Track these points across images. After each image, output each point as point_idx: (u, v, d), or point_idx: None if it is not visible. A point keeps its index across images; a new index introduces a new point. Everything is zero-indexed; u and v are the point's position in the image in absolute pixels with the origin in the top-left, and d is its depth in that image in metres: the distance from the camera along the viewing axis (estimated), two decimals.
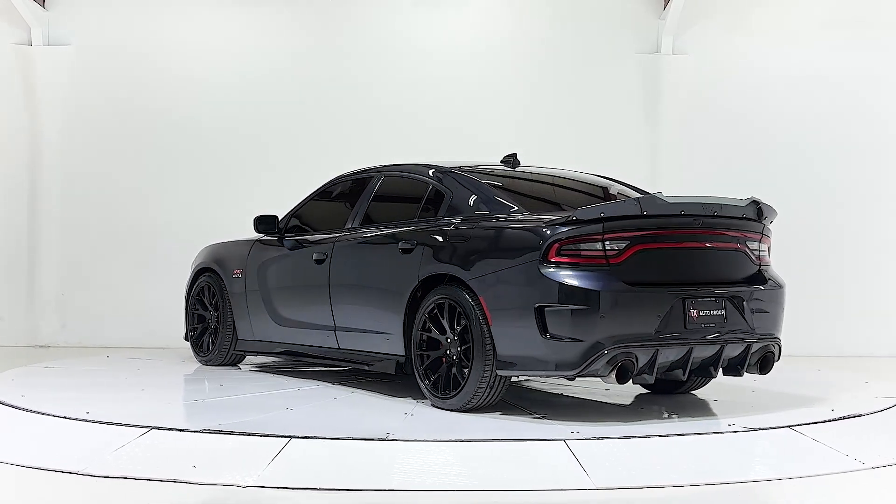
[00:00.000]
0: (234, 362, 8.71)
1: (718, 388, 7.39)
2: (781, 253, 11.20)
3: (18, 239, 11.39)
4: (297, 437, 5.16)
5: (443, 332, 6.18)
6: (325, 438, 5.18)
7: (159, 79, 11.55)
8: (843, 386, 7.90)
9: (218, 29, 11.67)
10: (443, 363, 6.22)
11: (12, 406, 6.21)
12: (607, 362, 5.58)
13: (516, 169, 7.25)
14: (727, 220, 6.14)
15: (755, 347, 6.13)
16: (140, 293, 11.34)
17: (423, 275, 6.35)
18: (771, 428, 5.63)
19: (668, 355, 5.79)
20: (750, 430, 5.57)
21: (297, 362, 8.14)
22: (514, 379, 6.56)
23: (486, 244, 6.11)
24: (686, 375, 5.99)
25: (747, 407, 6.53)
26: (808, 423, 5.77)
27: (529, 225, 5.93)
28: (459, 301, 6.04)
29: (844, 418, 6.09)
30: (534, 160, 11.21)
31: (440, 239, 6.34)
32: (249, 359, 8.77)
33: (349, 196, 7.67)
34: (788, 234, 11.28)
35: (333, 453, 5.01)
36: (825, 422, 5.90)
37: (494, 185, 6.70)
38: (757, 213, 6.31)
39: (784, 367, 9.36)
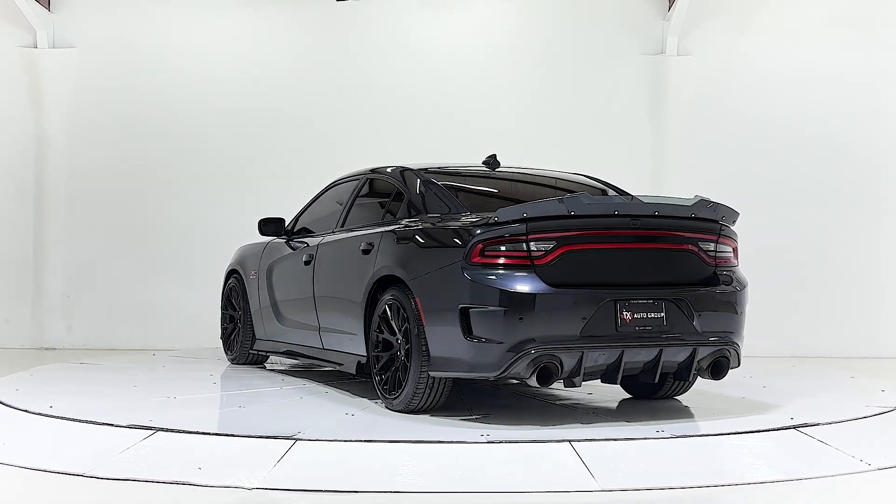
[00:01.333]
0: (258, 361, 8.86)
1: (723, 389, 7.37)
2: (786, 253, 11.26)
3: (24, 241, 11.41)
4: (303, 439, 5.16)
5: (393, 332, 6.19)
6: (331, 441, 5.18)
7: (164, 81, 11.57)
8: (850, 387, 7.88)
9: (222, 31, 11.68)
10: (395, 364, 6.23)
11: (18, 408, 6.22)
12: (528, 364, 5.52)
13: (495, 170, 7.19)
14: (674, 221, 5.96)
15: (704, 352, 5.92)
16: (146, 295, 11.36)
17: (376, 276, 6.37)
18: (777, 429, 5.62)
19: (597, 358, 5.67)
20: (756, 431, 5.55)
21: (311, 363, 8.15)
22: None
23: (422, 246, 6.10)
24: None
25: (753, 408, 6.51)
26: (815, 425, 5.75)
27: (457, 226, 5.92)
28: (402, 302, 6.06)
29: (851, 420, 6.08)
30: (538, 161, 11.24)
31: (390, 240, 6.36)
32: (275, 358, 8.83)
33: (340, 199, 7.74)
34: (794, 234, 11.30)
35: (339, 455, 5.01)
36: (831, 423, 5.88)
37: (452, 187, 6.66)
38: (713, 212, 6.10)
39: (790, 368, 9.38)
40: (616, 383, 5.99)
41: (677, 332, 5.83)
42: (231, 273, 9.06)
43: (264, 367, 8.75)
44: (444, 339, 5.76)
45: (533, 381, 5.57)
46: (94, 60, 11.53)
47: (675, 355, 5.86)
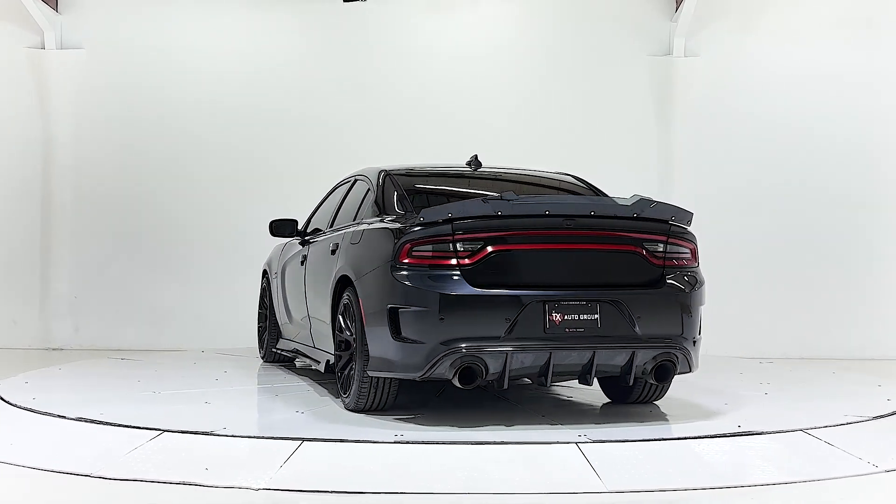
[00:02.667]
0: (286, 360, 8.95)
1: (727, 391, 7.37)
2: (791, 254, 11.24)
3: (32, 242, 11.44)
4: (309, 439, 5.16)
5: (351, 332, 6.23)
6: (337, 441, 5.18)
7: (171, 82, 11.59)
8: (857, 389, 7.86)
9: (229, 32, 11.70)
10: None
11: (26, 408, 6.23)
12: (450, 365, 5.52)
13: (477, 170, 7.17)
14: (613, 221, 5.86)
15: (646, 355, 5.76)
16: (153, 296, 11.38)
17: (336, 276, 6.45)
18: (784, 431, 5.61)
19: (523, 360, 5.61)
20: (763, 433, 5.54)
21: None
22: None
23: (365, 246, 6.16)
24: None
25: (760, 410, 6.50)
26: (822, 427, 5.74)
27: (389, 227, 5.95)
28: (352, 302, 6.14)
29: (858, 422, 6.06)
30: (546, 162, 11.23)
31: (348, 241, 6.45)
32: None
33: (335, 199, 7.82)
34: (799, 235, 11.29)
35: (346, 456, 5.01)
36: (839, 425, 5.87)
37: (415, 189, 6.68)
38: (659, 212, 5.98)
39: (797, 369, 9.36)
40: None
41: (613, 335, 5.69)
42: (263, 272, 9.34)
43: (293, 366, 8.83)
44: (378, 339, 5.80)
45: (456, 382, 5.56)
46: (101, 61, 11.55)
47: (611, 358, 5.73)
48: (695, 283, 6.04)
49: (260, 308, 9.38)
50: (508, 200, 5.67)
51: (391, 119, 11.49)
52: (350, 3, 11.30)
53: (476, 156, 7.21)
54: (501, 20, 11.72)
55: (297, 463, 4.88)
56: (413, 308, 5.60)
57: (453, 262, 5.62)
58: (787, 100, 11.38)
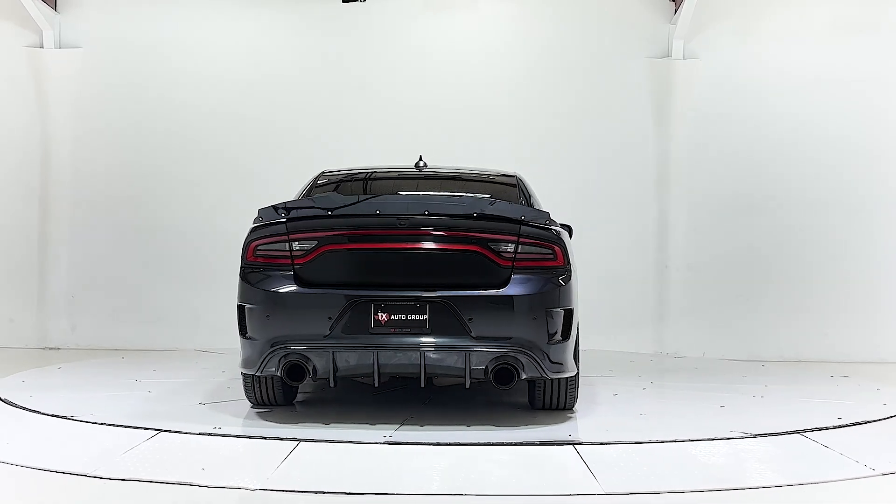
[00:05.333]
0: None
1: (724, 393, 7.38)
2: (791, 257, 11.24)
3: (29, 241, 11.42)
4: (306, 440, 5.16)
5: None
6: (333, 442, 5.18)
7: (170, 81, 11.57)
8: (854, 392, 7.88)
9: (228, 32, 11.69)
10: None
11: (22, 408, 6.23)
12: (277, 362, 5.67)
13: (422, 171, 7.20)
14: (453, 220, 5.81)
15: (482, 357, 5.65)
16: (151, 295, 11.37)
17: None
18: (780, 434, 5.62)
19: (349, 359, 5.67)
20: (759, 435, 5.55)
21: None
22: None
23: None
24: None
25: (756, 413, 6.51)
26: (818, 429, 5.76)
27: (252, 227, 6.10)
28: None
29: (854, 424, 6.07)
30: (544, 163, 11.27)
31: None
32: None
33: None
34: (798, 238, 11.29)
35: (342, 457, 5.01)
36: (835, 428, 5.88)
37: (324, 189, 6.81)
38: (510, 212, 5.89)
39: (794, 372, 9.37)
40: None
41: (443, 336, 5.65)
42: None
43: None
44: (239, 338, 5.99)
45: (286, 379, 5.73)
46: (100, 60, 11.54)
47: (441, 360, 5.69)
48: (551, 283, 5.83)
49: None
50: (336, 200, 5.83)
51: (390, 119, 11.48)
52: (349, 2, 11.31)
53: (421, 156, 7.28)
54: (500, 21, 11.72)
55: (293, 463, 4.88)
56: (249, 306, 5.82)
57: (288, 261, 5.79)
58: (786, 102, 11.37)
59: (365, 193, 6.92)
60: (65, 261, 11.42)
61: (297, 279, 5.75)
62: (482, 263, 5.76)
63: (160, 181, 11.47)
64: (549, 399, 6.24)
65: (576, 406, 6.45)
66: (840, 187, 11.29)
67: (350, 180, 7.17)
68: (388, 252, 5.78)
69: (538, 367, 5.71)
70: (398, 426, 5.75)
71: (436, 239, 5.78)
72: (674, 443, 5.33)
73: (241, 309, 5.88)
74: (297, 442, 5.12)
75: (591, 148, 11.45)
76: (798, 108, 11.34)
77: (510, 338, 5.67)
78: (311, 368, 5.67)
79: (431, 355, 5.65)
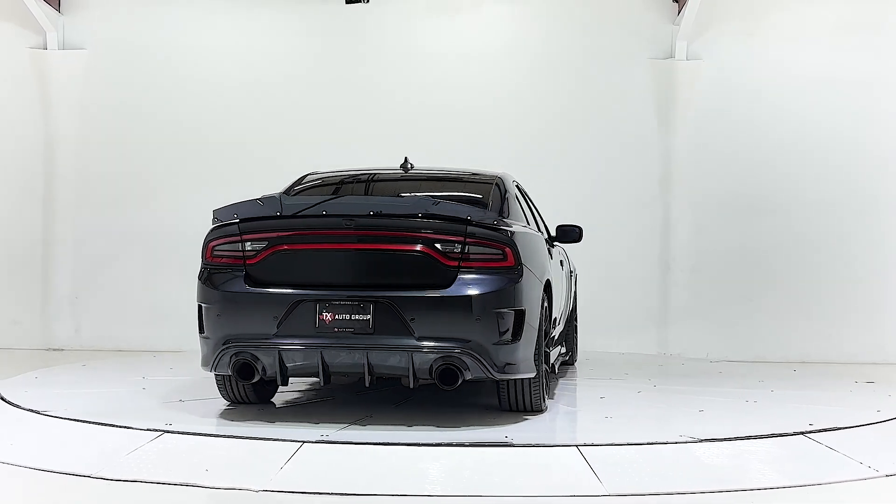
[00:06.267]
0: None
1: (728, 394, 7.37)
2: (795, 258, 11.23)
3: (33, 242, 11.44)
4: (310, 441, 5.16)
5: None
6: (338, 443, 5.18)
7: (174, 82, 11.59)
8: (859, 393, 7.87)
9: (231, 33, 11.70)
10: None
11: (26, 409, 6.24)
12: (227, 360, 5.79)
13: (407, 172, 7.22)
14: (399, 221, 5.78)
15: (426, 357, 5.62)
16: (154, 296, 11.37)
17: None
18: (785, 435, 5.61)
19: (295, 358, 5.74)
20: (764, 436, 5.54)
21: None
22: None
23: None
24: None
25: (761, 413, 6.50)
26: (822, 431, 5.75)
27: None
28: None
29: (859, 426, 6.06)
30: (547, 164, 11.27)
31: None
32: None
33: None
34: (802, 239, 11.28)
35: (345, 458, 5.01)
36: (840, 429, 5.87)
37: (303, 191, 6.90)
38: (454, 212, 5.81)
39: (799, 373, 9.36)
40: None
41: (386, 336, 5.66)
42: None
43: None
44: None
45: (236, 377, 5.87)
46: (103, 62, 11.56)
47: (385, 359, 5.70)
48: (499, 284, 5.75)
49: None
50: (283, 201, 5.89)
51: (393, 120, 11.49)
52: (352, 4, 11.32)
53: (406, 158, 7.30)
54: (503, 22, 11.72)
55: (297, 465, 4.88)
56: (206, 305, 5.95)
57: (241, 261, 5.90)
58: (789, 102, 11.37)
59: (334, 194, 6.93)
60: (68, 262, 11.44)
61: (248, 279, 5.87)
62: (427, 264, 5.74)
63: (163, 182, 11.49)
64: (514, 400, 6.21)
65: (547, 406, 6.39)
66: (844, 187, 11.28)
67: (326, 182, 7.19)
68: (334, 252, 5.84)
69: (483, 368, 5.67)
70: (401, 427, 5.75)
71: (381, 239, 5.79)
72: (677, 443, 5.33)
73: (199, 308, 6.01)
74: (301, 443, 5.12)
75: (595, 149, 11.45)
76: (801, 108, 11.34)
77: (453, 338, 5.64)
78: (260, 367, 5.78)
79: (375, 355, 5.67)
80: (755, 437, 5.53)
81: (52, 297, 11.41)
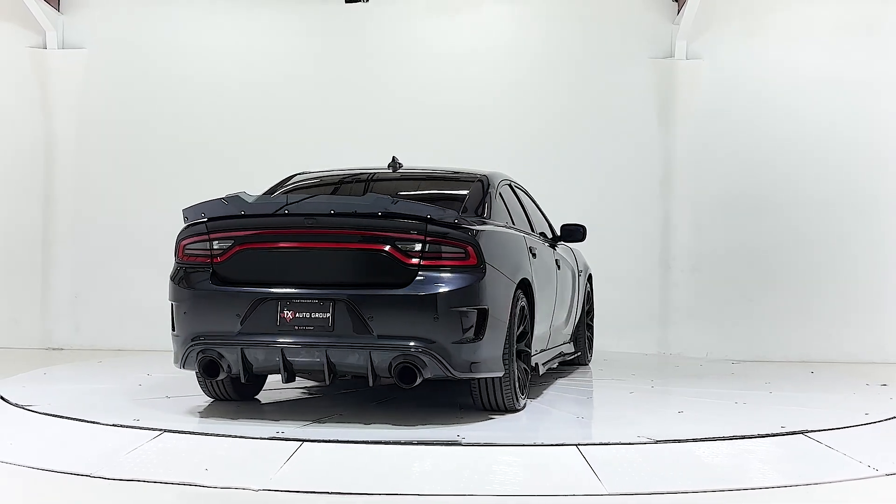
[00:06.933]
0: None
1: (728, 393, 7.37)
2: (796, 258, 11.23)
3: (33, 241, 11.44)
4: (309, 440, 5.16)
5: None
6: (336, 442, 5.18)
7: (173, 82, 11.59)
8: (858, 392, 7.86)
9: (231, 33, 11.71)
10: None
11: (26, 408, 6.23)
12: (194, 357, 5.89)
13: (396, 171, 7.23)
14: (356, 220, 5.78)
15: (385, 356, 5.62)
16: (154, 295, 11.29)
17: None
18: (784, 434, 5.61)
19: (257, 356, 5.78)
20: (763, 436, 5.54)
21: None
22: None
23: None
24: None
25: (760, 413, 6.50)
26: (822, 430, 5.74)
27: None
28: None
29: (859, 425, 6.06)
30: (547, 164, 11.28)
31: None
32: None
33: None
34: (802, 238, 11.28)
35: (345, 457, 5.01)
36: (839, 428, 5.87)
37: (287, 190, 6.96)
38: (415, 210, 5.78)
39: (798, 372, 9.36)
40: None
41: (345, 334, 5.67)
42: None
43: None
44: None
45: (202, 375, 5.95)
46: (103, 61, 11.56)
47: (344, 357, 5.72)
48: (458, 283, 5.71)
49: None
50: (245, 200, 5.96)
51: (393, 120, 11.49)
52: (352, 3, 11.32)
53: (395, 157, 7.31)
54: (503, 22, 11.73)
55: (296, 464, 4.88)
56: (176, 303, 6.05)
57: (208, 259, 5.98)
58: (789, 103, 11.37)
59: (309, 194, 6.93)
60: (68, 261, 11.44)
61: (214, 277, 5.95)
62: (387, 263, 5.73)
63: (163, 181, 11.49)
64: (486, 399, 6.19)
65: (524, 404, 6.36)
66: (844, 187, 11.29)
67: (310, 182, 7.23)
68: (296, 251, 5.88)
69: (442, 367, 5.64)
70: (402, 426, 5.75)
71: (341, 238, 5.82)
72: (677, 443, 5.32)
73: (171, 306, 6.09)
74: (300, 442, 5.11)
75: (595, 149, 11.45)
76: (802, 107, 11.35)
77: (411, 337, 5.63)
78: (225, 365, 5.85)
79: (334, 353, 5.69)
80: (754, 437, 5.52)
81: (51, 297, 11.41)
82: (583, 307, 9.03)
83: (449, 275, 5.72)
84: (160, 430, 5.43)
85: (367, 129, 11.45)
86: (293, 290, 5.76)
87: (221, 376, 5.93)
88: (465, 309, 5.70)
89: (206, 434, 5.39)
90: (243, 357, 5.78)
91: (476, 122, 11.46)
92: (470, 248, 5.77)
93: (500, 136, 11.41)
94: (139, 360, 9.53)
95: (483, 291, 5.78)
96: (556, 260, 7.78)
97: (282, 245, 5.90)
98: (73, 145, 11.52)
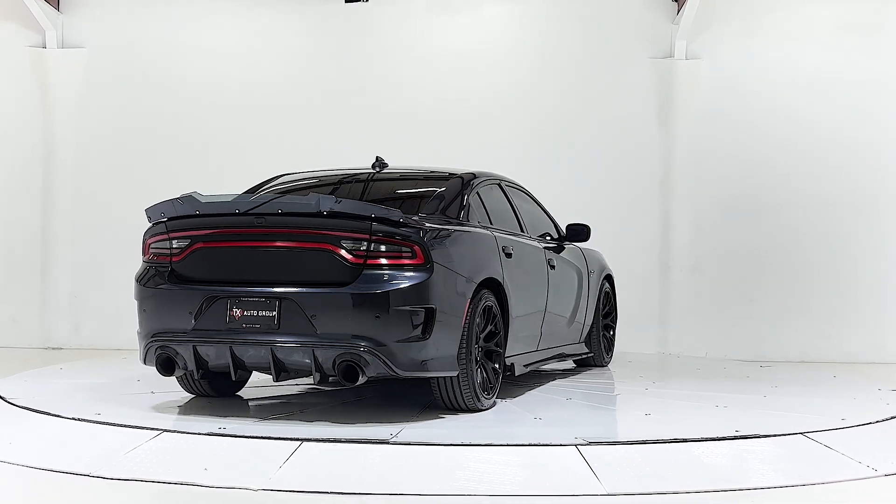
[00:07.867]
0: None
1: (727, 394, 7.36)
2: (796, 258, 11.23)
3: (32, 241, 11.44)
4: (309, 440, 5.15)
5: None
6: (336, 441, 5.18)
7: (173, 82, 11.60)
8: (857, 392, 7.86)
9: (231, 33, 11.71)
10: None
11: (25, 408, 6.23)
12: (154, 354, 6.02)
13: (381, 171, 7.25)
14: (303, 219, 5.80)
15: (328, 354, 5.66)
16: None
17: None
18: (783, 434, 5.60)
19: (208, 353, 5.89)
20: (762, 436, 5.54)
21: None
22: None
23: None
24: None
25: (760, 413, 6.50)
26: (821, 430, 5.74)
27: None
28: None
29: (857, 425, 6.06)
30: (547, 164, 11.28)
31: None
32: None
33: None
34: (802, 238, 11.28)
35: (345, 456, 5.01)
36: (838, 429, 5.87)
37: (264, 190, 7.13)
38: (360, 209, 5.79)
39: (798, 373, 9.36)
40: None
41: (290, 332, 5.72)
42: None
43: None
44: None
45: (160, 372, 6.04)
46: (102, 60, 11.56)
47: (290, 355, 5.76)
48: (402, 282, 5.71)
49: None
50: (198, 199, 6.04)
51: (393, 120, 11.50)
52: (352, 3, 11.32)
53: (378, 157, 7.34)
54: (503, 22, 11.73)
55: (296, 463, 4.88)
56: (138, 301, 6.17)
57: (167, 258, 6.10)
58: (789, 103, 11.38)
59: (280, 193, 7.03)
60: (67, 261, 11.44)
61: (172, 276, 6.07)
62: (331, 261, 5.76)
63: (163, 180, 11.47)
64: (446, 398, 6.19)
65: (491, 404, 6.35)
66: (844, 187, 11.30)
67: (289, 182, 7.32)
68: (246, 250, 5.97)
69: (386, 366, 5.66)
70: (402, 426, 5.75)
71: (288, 237, 5.86)
72: (676, 443, 5.32)
73: (137, 305, 6.18)
74: (299, 442, 5.11)
75: (594, 149, 11.45)
76: (802, 107, 11.35)
77: (353, 335, 5.66)
78: (181, 362, 5.96)
79: (280, 351, 5.76)
80: (754, 437, 5.52)
81: (50, 296, 11.41)
82: (597, 308, 8.96)
83: (394, 274, 5.74)
84: (159, 429, 5.42)
85: (367, 129, 11.45)
86: (242, 289, 5.86)
87: (178, 373, 6.07)
88: (409, 308, 5.71)
89: (206, 434, 5.39)
90: (196, 354, 5.89)
91: (476, 122, 11.46)
92: (417, 248, 5.79)
93: (500, 136, 11.41)
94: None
95: (429, 290, 5.78)
96: (549, 260, 7.70)
97: (234, 244, 6.00)
98: (73, 145, 11.52)
